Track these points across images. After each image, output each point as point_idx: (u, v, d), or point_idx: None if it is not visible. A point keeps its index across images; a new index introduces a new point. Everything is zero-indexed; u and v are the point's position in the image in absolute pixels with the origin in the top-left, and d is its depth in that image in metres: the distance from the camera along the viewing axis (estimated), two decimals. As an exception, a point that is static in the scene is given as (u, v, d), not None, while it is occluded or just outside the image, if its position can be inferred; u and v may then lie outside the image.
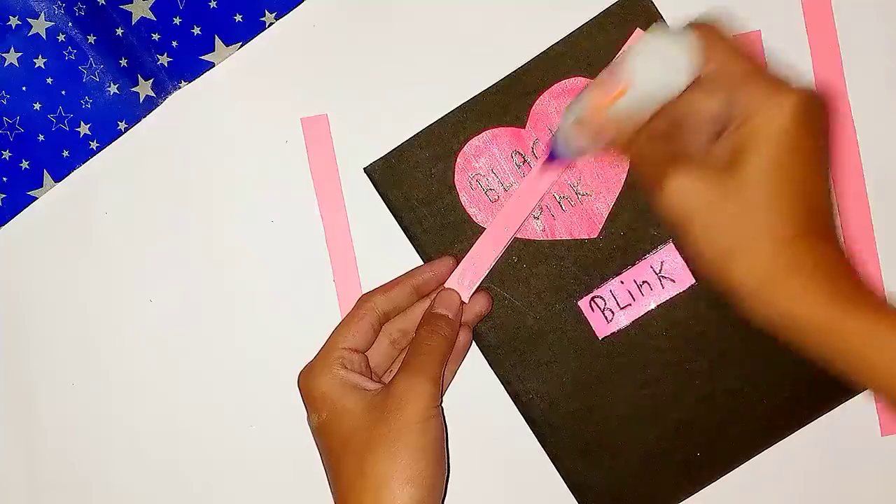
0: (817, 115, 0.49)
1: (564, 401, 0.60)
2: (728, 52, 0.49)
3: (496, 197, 0.60)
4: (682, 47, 0.48)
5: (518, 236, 0.59)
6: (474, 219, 0.60)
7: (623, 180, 0.59)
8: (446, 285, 0.58)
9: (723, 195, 0.47)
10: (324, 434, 0.54)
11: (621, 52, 0.49)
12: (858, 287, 0.48)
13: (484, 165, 0.60)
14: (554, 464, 0.60)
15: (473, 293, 0.58)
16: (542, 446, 0.60)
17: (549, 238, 0.60)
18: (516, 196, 0.59)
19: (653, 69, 0.48)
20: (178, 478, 0.62)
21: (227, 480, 0.62)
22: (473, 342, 0.60)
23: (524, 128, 0.60)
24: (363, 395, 0.54)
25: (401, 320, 0.58)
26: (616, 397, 0.60)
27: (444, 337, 0.55)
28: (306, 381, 0.55)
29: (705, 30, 0.49)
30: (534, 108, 0.60)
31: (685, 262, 0.59)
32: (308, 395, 0.55)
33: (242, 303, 0.62)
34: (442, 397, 0.59)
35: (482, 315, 0.59)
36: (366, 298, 0.57)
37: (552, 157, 0.55)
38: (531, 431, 0.60)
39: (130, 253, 0.62)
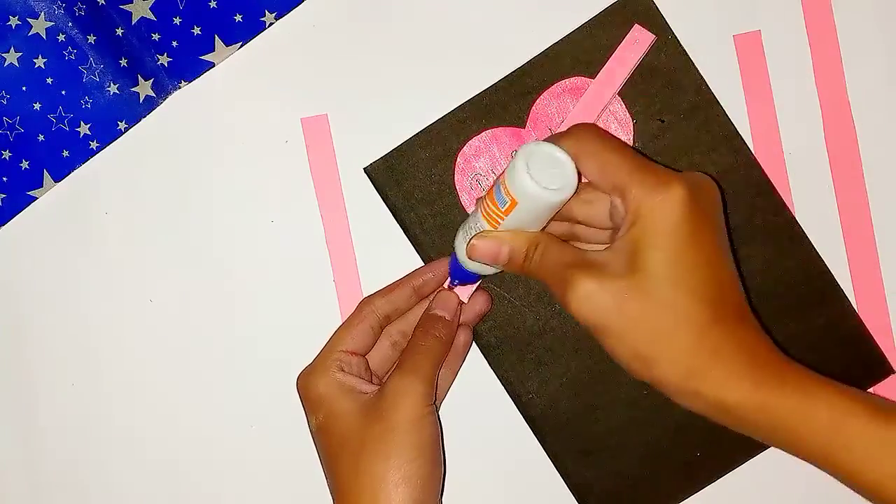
0: (708, 200, 0.50)
1: (564, 401, 0.60)
2: (607, 150, 0.49)
3: (496, 197, 0.60)
4: (560, 157, 0.49)
5: (518, 236, 0.59)
6: (474, 219, 0.60)
7: (623, 180, 0.59)
8: (445, 286, 0.58)
9: (630, 297, 0.48)
10: (321, 436, 0.54)
11: (504, 171, 0.51)
12: (782, 366, 0.49)
13: (484, 165, 0.60)
14: (554, 464, 0.60)
15: (473, 293, 0.58)
16: (542, 446, 0.60)
17: (549, 238, 0.60)
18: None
19: (533, 185, 0.48)
20: (178, 478, 0.62)
21: (228, 480, 0.62)
22: (473, 342, 0.60)
23: (524, 128, 0.60)
24: (359, 397, 0.54)
25: (401, 322, 0.58)
26: (616, 397, 0.60)
27: (438, 338, 0.55)
28: (305, 383, 0.55)
29: (582, 133, 0.50)
30: (534, 108, 0.59)
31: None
32: (306, 397, 0.55)
33: (242, 303, 0.62)
34: (443, 397, 0.59)
35: (482, 315, 0.59)
36: (366, 301, 0.57)
37: (454, 281, 0.56)
38: (531, 431, 0.60)
39: (130, 253, 0.62)
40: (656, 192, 0.48)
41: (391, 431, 0.52)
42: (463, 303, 0.57)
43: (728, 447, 0.60)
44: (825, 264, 0.60)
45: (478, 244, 0.52)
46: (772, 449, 0.60)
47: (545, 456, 0.60)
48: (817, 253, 0.60)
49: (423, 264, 0.60)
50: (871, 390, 0.61)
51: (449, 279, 0.57)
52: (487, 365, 0.60)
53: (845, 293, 0.60)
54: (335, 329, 0.57)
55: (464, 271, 0.55)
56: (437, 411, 0.56)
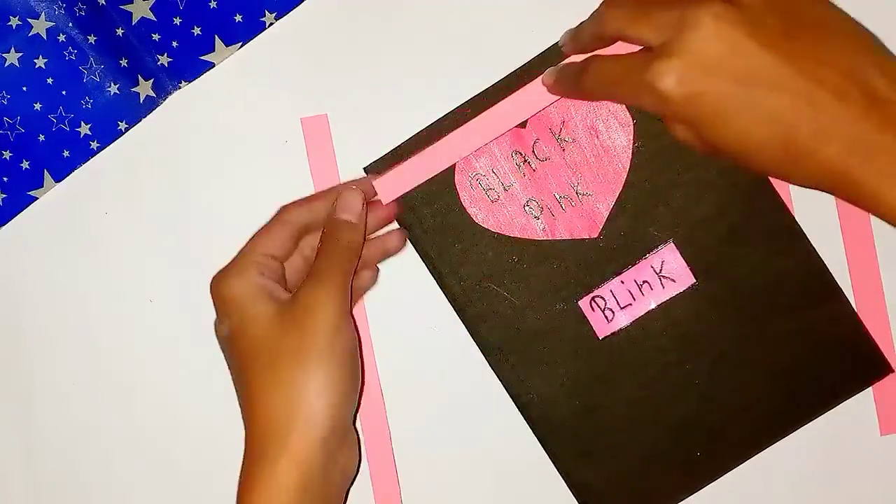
0: None
1: (565, 401, 0.60)
2: None
3: (496, 197, 0.60)
4: None
5: (518, 236, 0.60)
6: (474, 218, 0.60)
7: (623, 180, 0.59)
8: (374, 183, 0.57)
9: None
10: (234, 341, 0.53)
11: None
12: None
13: (484, 165, 0.60)
14: (554, 464, 0.60)
15: (392, 229, 0.58)
16: (543, 446, 0.60)
17: (550, 238, 0.60)
18: (485, 115, 0.58)
19: None
20: (179, 478, 0.62)
21: (228, 480, 0.62)
22: (473, 342, 0.60)
23: (524, 128, 0.60)
24: (275, 304, 0.53)
25: (315, 237, 0.56)
26: (616, 397, 0.60)
27: (347, 244, 0.54)
28: (219, 285, 0.54)
29: None
30: (534, 108, 0.60)
31: (686, 261, 0.59)
32: (220, 299, 0.54)
33: (242, 303, 0.62)
34: (358, 299, 0.58)
35: (390, 253, 0.59)
36: (286, 209, 0.56)
37: None
38: (531, 431, 0.60)
39: (130, 253, 0.62)
40: None
41: (310, 341, 0.51)
42: (383, 205, 0.57)
43: (728, 447, 0.60)
44: (824, 264, 0.60)
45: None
46: (771, 449, 0.60)
47: (545, 456, 0.60)
48: (816, 253, 0.60)
49: (423, 264, 0.60)
50: (870, 390, 0.61)
51: None
52: (487, 365, 0.60)
53: (844, 292, 0.60)
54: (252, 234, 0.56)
55: None
56: (352, 316, 0.55)
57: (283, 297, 0.53)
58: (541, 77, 0.56)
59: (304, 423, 0.51)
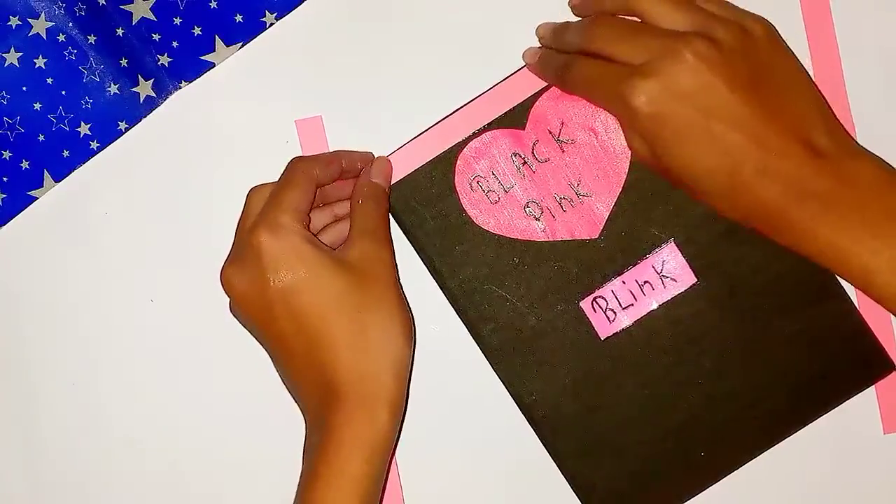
0: None
1: (567, 402, 0.60)
2: None
3: (497, 198, 0.59)
4: None
5: (519, 237, 0.59)
6: (475, 220, 0.60)
7: (623, 180, 0.59)
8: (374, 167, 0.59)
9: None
10: (297, 295, 0.53)
11: None
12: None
13: (484, 167, 0.60)
14: (557, 465, 0.60)
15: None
16: (545, 447, 0.60)
17: (550, 239, 0.60)
18: (483, 98, 0.59)
19: None
20: (178, 478, 0.62)
21: (228, 481, 0.62)
22: (474, 343, 0.60)
23: (524, 129, 0.60)
24: (328, 256, 0.53)
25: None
26: (618, 398, 0.60)
27: (386, 208, 0.58)
28: (263, 237, 0.53)
29: None
30: (534, 109, 0.59)
31: (687, 260, 0.59)
32: (268, 252, 0.53)
33: (243, 303, 0.62)
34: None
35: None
36: (303, 162, 0.56)
37: None
38: (534, 432, 0.60)
39: (130, 253, 0.62)
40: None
41: (393, 294, 0.54)
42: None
43: (731, 447, 0.60)
44: (826, 264, 0.60)
45: None
46: (775, 448, 0.60)
47: (548, 457, 0.60)
48: (818, 252, 0.60)
49: (424, 266, 0.60)
50: (873, 389, 0.61)
51: None
52: (489, 366, 0.60)
53: (846, 290, 0.60)
54: (277, 186, 0.55)
55: None
56: None
57: (327, 250, 0.54)
58: (522, 52, 0.59)
59: (395, 371, 0.53)
